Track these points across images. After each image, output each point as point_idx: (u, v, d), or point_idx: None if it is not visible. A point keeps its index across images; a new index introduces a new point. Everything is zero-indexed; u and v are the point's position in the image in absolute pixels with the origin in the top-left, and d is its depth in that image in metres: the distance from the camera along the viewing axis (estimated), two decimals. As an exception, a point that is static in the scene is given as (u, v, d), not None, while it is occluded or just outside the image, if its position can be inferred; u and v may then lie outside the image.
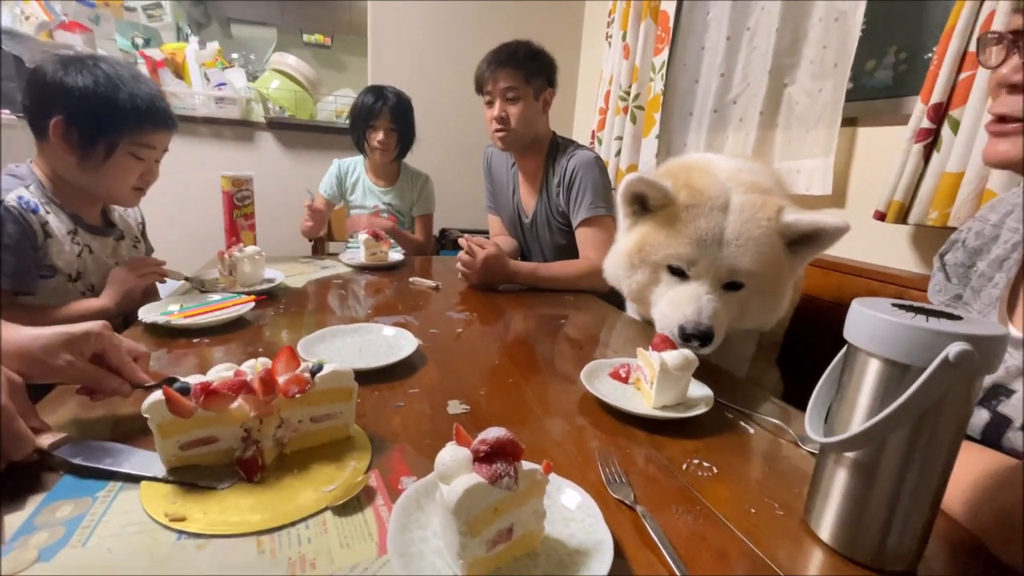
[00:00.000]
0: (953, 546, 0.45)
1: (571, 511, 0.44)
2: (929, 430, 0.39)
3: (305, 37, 2.68)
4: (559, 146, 1.48)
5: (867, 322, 0.41)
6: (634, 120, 1.95)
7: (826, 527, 0.45)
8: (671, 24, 1.79)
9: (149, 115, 0.96)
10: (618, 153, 2.03)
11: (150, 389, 0.55)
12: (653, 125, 1.85)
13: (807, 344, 1.07)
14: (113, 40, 2.18)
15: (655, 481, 0.52)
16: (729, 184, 0.79)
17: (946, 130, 0.98)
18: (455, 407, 0.65)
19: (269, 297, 1.06)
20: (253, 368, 0.52)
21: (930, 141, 1.00)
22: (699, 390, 0.69)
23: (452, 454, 0.38)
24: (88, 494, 0.44)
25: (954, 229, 1.02)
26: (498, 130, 1.42)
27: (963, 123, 0.95)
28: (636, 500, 0.48)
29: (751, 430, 0.64)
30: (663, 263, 0.80)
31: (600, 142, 2.15)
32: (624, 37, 1.98)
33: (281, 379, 0.51)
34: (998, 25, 0.90)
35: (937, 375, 0.36)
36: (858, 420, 0.42)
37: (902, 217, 1.06)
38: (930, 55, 1.17)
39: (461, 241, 1.28)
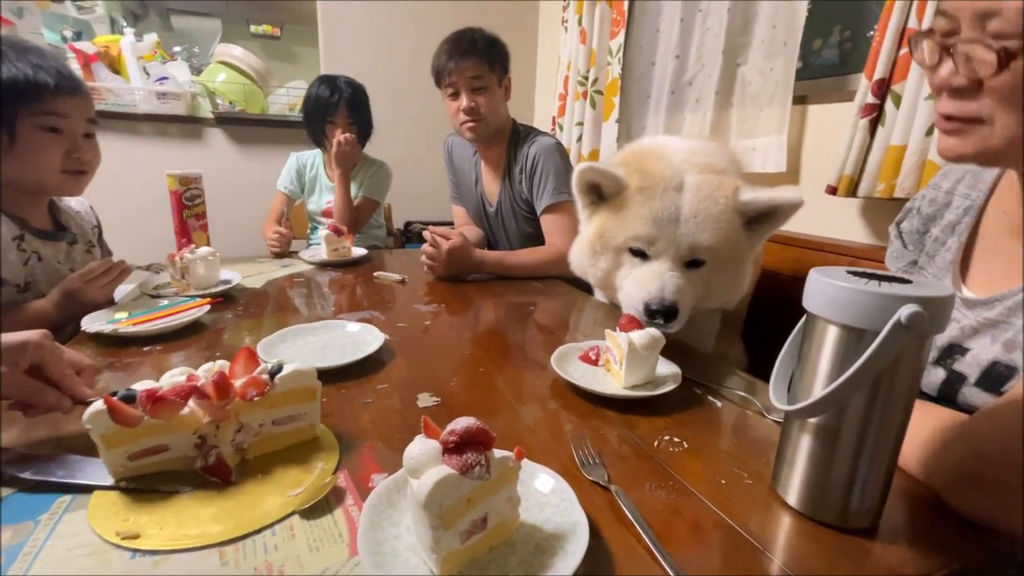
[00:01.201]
0: (910, 500, 0.47)
1: (545, 495, 0.44)
2: (885, 391, 0.41)
3: (252, 28, 2.55)
4: (520, 133, 1.47)
5: (824, 290, 0.42)
6: (594, 105, 1.95)
7: (793, 492, 0.46)
8: (626, 7, 1.79)
9: (45, 81, 0.84)
10: (579, 139, 2.03)
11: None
12: (613, 109, 1.85)
13: (768, 317, 1.11)
14: (40, 34, 2.03)
15: (628, 460, 0.53)
16: (683, 166, 0.81)
17: (889, 105, 1.02)
18: (425, 400, 0.63)
19: (226, 299, 1.02)
20: (209, 372, 0.50)
21: (875, 116, 1.04)
22: (667, 368, 0.70)
23: (421, 447, 0.37)
24: (29, 517, 0.41)
25: (900, 200, 1.07)
26: (466, 122, 1.39)
27: (904, 97, 0.98)
28: (610, 480, 0.48)
29: (719, 404, 0.66)
30: (624, 246, 0.81)
31: (561, 128, 2.15)
32: (580, 21, 1.98)
33: (238, 382, 0.49)
34: (932, 6, 0.94)
35: (891, 337, 0.37)
36: (819, 386, 0.43)
37: (852, 190, 1.10)
38: (872, 32, 1.21)
39: (425, 233, 1.26)
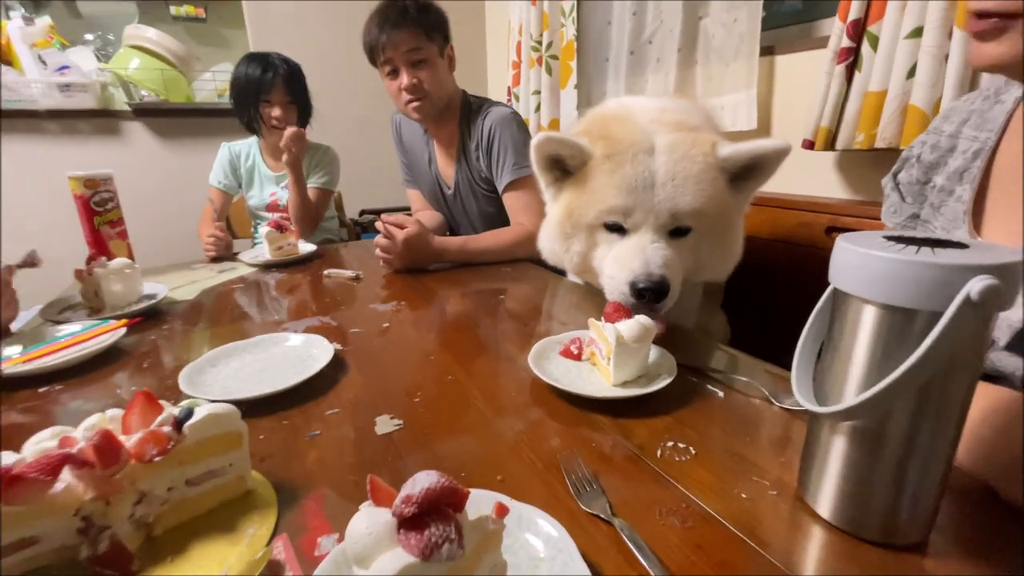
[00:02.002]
0: (963, 504, 0.40)
1: (538, 550, 0.35)
2: (941, 383, 0.33)
3: (173, 10, 2.27)
4: (471, 106, 1.35)
5: (860, 263, 0.34)
6: (550, 71, 1.83)
7: (826, 503, 0.39)
8: (576, -37, 1.67)
9: None
10: (537, 108, 1.92)
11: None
12: (570, 74, 1.74)
13: (748, 284, 1.05)
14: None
15: (630, 478, 0.44)
16: (652, 127, 0.72)
17: (866, 48, 0.95)
18: (385, 424, 0.53)
19: (149, 318, 0.88)
20: (92, 429, 0.38)
21: (851, 61, 0.97)
22: (658, 355, 0.62)
23: (368, 523, 0.28)
24: None
25: (882, 151, 1.02)
26: (410, 101, 1.25)
27: (882, 38, 0.92)
28: (613, 511, 0.40)
29: (719, 393, 0.58)
30: (597, 223, 0.72)
31: (517, 98, 2.03)
32: (529, -19, 1.84)
33: (131, 439, 0.38)
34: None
35: (958, 318, 0.29)
36: (856, 380, 0.36)
37: (830, 143, 1.04)
38: (837, -26, 1.13)
39: (378, 224, 1.14)
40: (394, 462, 0.47)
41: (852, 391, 0.36)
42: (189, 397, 0.56)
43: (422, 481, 0.28)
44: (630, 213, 0.68)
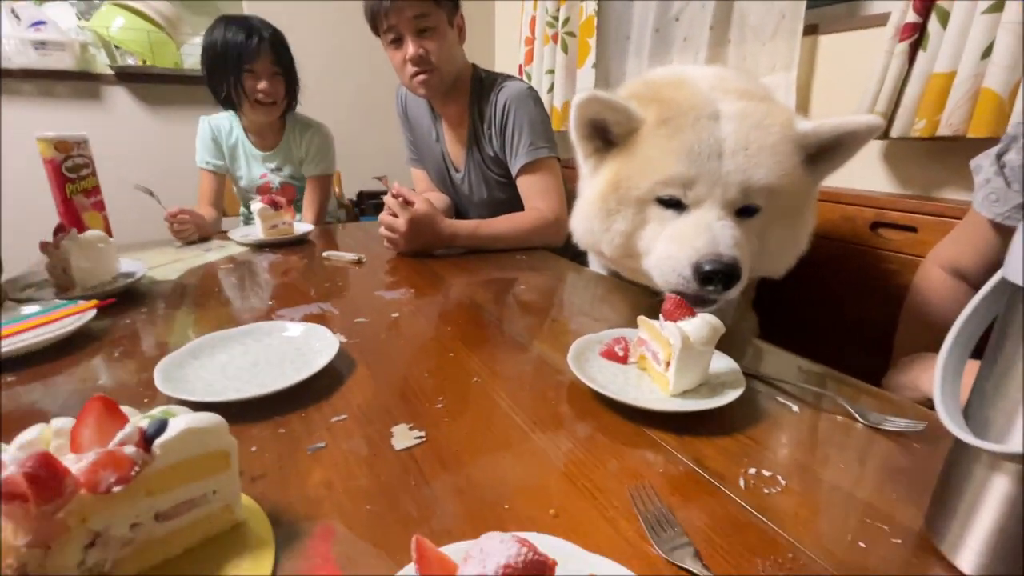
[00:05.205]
0: None
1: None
2: None
3: None
4: (483, 82, 1.23)
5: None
6: (566, 49, 1.72)
7: (973, 558, 0.31)
8: (599, -68, 1.56)
9: None
10: (551, 89, 1.81)
11: None
12: (588, 53, 1.64)
13: (782, 282, 0.97)
14: None
15: (714, 516, 0.36)
16: (714, 94, 0.63)
17: (933, 24, 0.86)
18: (404, 437, 0.44)
19: (124, 300, 0.78)
20: (28, 448, 0.29)
21: (915, 38, 0.88)
22: (720, 361, 0.54)
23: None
24: None
25: (945, 139, 0.93)
26: (417, 73, 1.13)
27: (954, 14, 0.83)
28: (703, 563, 0.31)
29: (794, 408, 0.50)
30: (649, 196, 0.63)
31: (529, 77, 1.92)
32: (546, -49, 1.73)
33: (79, 463, 0.28)
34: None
35: None
36: (1041, 409, 0.27)
37: (884, 131, 0.95)
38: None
39: (386, 198, 1.04)
40: (418, 487, 0.38)
41: (1034, 422, 0.28)
42: (166, 398, 0.47)
43: (495, 553, 0.19)
44: (692, 185, 0.59)
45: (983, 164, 0.58)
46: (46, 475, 0.27)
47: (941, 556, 0.33)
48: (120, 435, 0.30)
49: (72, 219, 0.98)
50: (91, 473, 0.28)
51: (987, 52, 0.80)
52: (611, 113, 0.63)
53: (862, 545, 0.34)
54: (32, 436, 0.30)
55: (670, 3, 1.45)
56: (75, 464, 0.28)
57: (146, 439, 0.30)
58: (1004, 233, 0.59)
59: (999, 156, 0.57)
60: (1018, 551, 0.30)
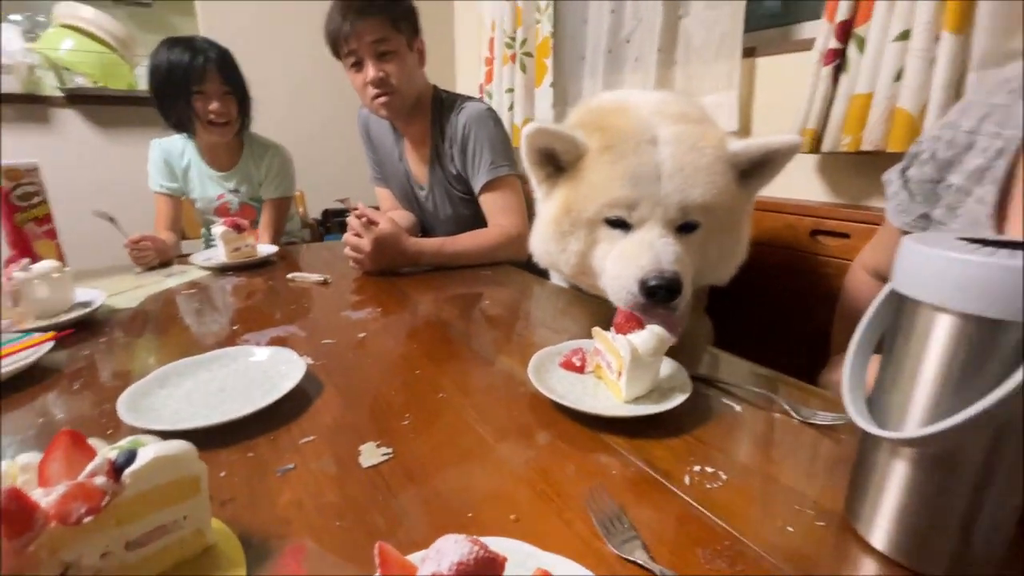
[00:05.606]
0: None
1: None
2: (1030, 403, 0.29)
3: None
4: (444, 102, 1.27)
5: (939, 267, 0.30)
6: (524, 69, 1.78)
7: (883, 534, 0.35)
8: (551, -42, 1.63)
9: None
10: (511, 108, 1.87)
11: None
12: (545, 72, 1.70)
13: (732, 287, 1.04)
14: None
15: (661, 512, 0.39)
16: (653, 119, 0.68)
17: (852, 50, 0.94)
18: (371, 454, 0.46)
19: (82, 330, 0.76)
20: (-3, 483, 0.30)
21: (838, 63, 0.96)
22: (668, 367, 0.58)
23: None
24: None
25: (868, 153, 1.02)
26: (377, 96, 1.16)
27: (869, 40, 0.91)
28: (651, 555, 0.34)
29: (736, 408, 0.54)
30: (598, 217, 0.67)
31: (490, 96, 1.97)
32: (502, -25, 1.79)
33: (49, 497, 0.29)
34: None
35: (1073, 334, 0.26)
36: (925, 400, 0.32)
37: (815, 146, 1.03)
38: (815, -23, 1.13)
39: (350, 219, 1.05)
40: (386, 501, 0.40)
41: (920, 412, 0.32)
42: (131, 428, 0.47)
43: (449, 552, 0.22)
44: (635, 206, 0.63)
45: (892, 178, 0.65)
46: (16, 510, 0.28)
47: (858, 535, 0.37)
48: (90, 467, 0.31)
49: (22, 248, 0.96)
50: (61, 505, 0.29)
51: (899, 75, 0.89)
52: (559, 143, 0.67)
53: (790, 529, 0.37)
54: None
55: (621, 26, 1.52)
56: (44, 498, 0.29)
57: (116, 469, 0.31)
58: None
59: (903, 171, 0.64)
60: (919, 524, 0.34)
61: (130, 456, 0.32)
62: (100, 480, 0.30)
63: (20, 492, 0.28)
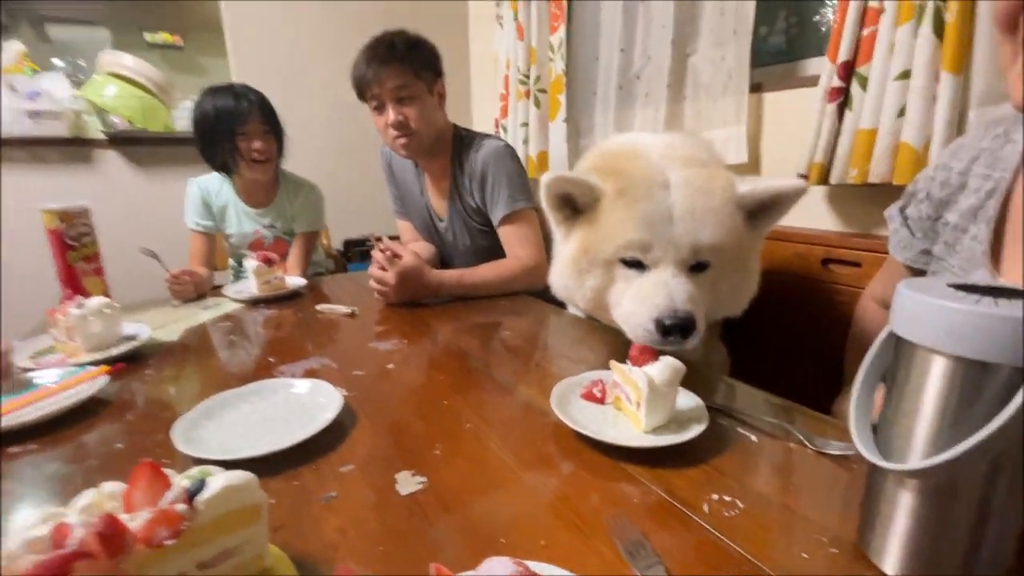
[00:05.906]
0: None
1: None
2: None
3: (148, 36, 2.20)
4: (463, 140, 1.34)
5: (931, 313, 0.33)
6: (538, 104, 1.86)
7: (893, 560, 0.37)
8: (564, 1, 1.71)
9: None
10: (526, 141, 1.93)
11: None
12: (559, 108, 1.77)
13: (742, 317, 1.06)
14: None
15: (681, 539, 0.42)
16: (663, 163, 0.72)
17: (855, 88, 0.98)
18: (407, 483, 0.49)
19: (132, 361, 0.82)
20: (90, 511, 0.34)
21: (842, 100, 1.01)
22: (685, 398, 0.60)
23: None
24: None
25: (875, 185, 1.05)
26: (398, 137, 1.24)
27: (871, 79, 0.95)
28: (673, 579, 0.37)
29: (752, 438, 0.56)
30: (614, 257, 0.71)
31: (505, 130, 2.04)
32: (516, 16, 1.88)
33: (136, 520, 0.33)
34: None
35: (1052, 376, 0.28)
36: (925, 435, 0.34)
37: (824, 178, 1.06)
38: (818, 17, 1.19)
39: (374, 253, 1.11)
40: (424, 529, 0.43)
41: (921, 445, 0.35)
42: (185, 457, 0.51)
43: (498, 571, 0.25)
44: (649, 248, 0.67)
45: (893, 214, 0.68)
46: (111, 534, 0.31)
47: (869, 561, 0.39)
48: (169, 495, 0.35)
49: (73, 285, 1.02)
50: (147, 530, 0.33)
51: (901, 112, 0.92)
52: (576, 188, 0.72)
53: (805, 556, 0.40)
54: (89, 500, 0.35)
55: (630, 63, 1.59)
56: (130, 522, 0.33)
57: (190, 495, 0.35)
58: (916, 274, 0.68)
59: (902, 209, 0.67)
60: (926, 550, 0.36)
61: (201, 484, 0.36)
62: (180, 507, 0.34)
63: (115, 518, 0.32)
